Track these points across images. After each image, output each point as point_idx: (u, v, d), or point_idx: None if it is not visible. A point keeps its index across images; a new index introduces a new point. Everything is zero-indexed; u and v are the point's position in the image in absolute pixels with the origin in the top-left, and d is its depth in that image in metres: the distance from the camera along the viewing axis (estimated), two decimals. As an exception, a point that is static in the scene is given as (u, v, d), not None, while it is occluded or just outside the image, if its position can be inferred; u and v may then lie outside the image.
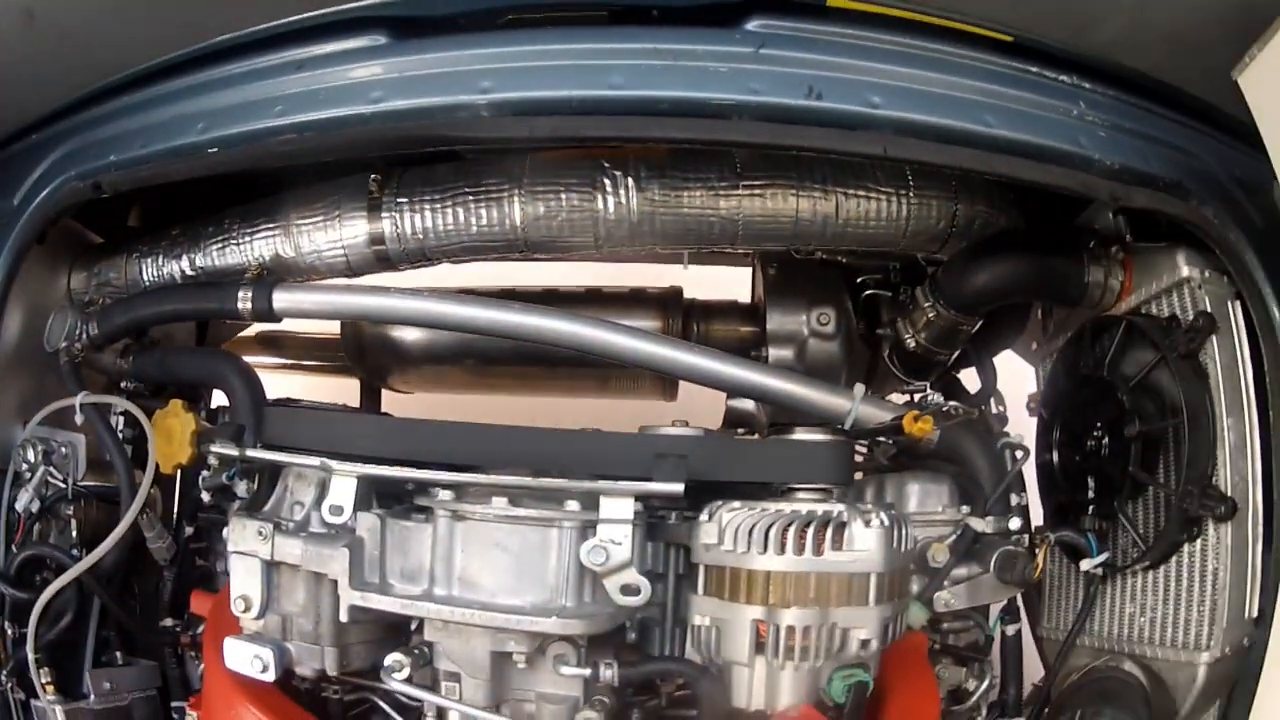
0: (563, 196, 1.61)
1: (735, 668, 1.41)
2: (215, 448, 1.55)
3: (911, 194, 1.64)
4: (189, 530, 1.88)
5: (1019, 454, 1.60)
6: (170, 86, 1.59)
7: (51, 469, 1.83)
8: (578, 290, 2.07)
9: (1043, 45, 1.45)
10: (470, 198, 1.63)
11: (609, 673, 1.39)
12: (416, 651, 1.42)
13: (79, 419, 1.81)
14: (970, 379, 2.09)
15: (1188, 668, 1.52)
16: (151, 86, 1.64)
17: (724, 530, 1.40)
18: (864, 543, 1.38)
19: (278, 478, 1.58)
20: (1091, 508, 1.68)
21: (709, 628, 1.42)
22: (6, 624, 1.82)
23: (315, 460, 1.46)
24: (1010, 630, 1.74)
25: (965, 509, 1.58)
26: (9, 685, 1.82)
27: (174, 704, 1.89)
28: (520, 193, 1.62)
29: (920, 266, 1.83)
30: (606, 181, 1.60)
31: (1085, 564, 1.63)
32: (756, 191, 1.61)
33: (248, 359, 2.06)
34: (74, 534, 1.84)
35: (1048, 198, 1.57)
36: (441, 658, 1.43)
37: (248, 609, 1.51)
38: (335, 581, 1.43)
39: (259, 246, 1.74)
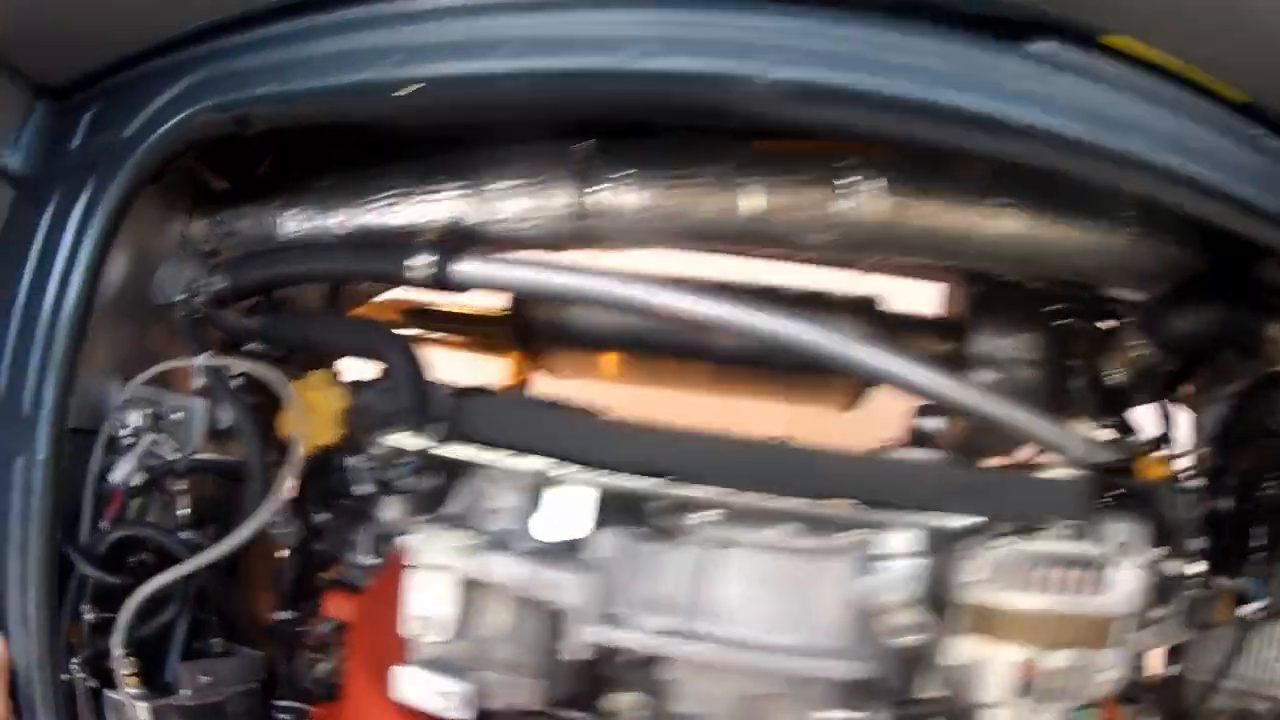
0: (800, 191, 1.10)
1: (988, 711, 0.98)
2: (396, 438, 0.98)
3: (1131, 231, 1.23)
4: (320, 517, 1.25)
5: (1199, 501, 1.23)
6: (355, 14, 1.00)
7: (160, 437, 1.18)
8: (752, 288, 1.46)
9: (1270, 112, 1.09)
10: (695, 179, 1.11)
11: (883, 717, 0.92)
12: (653, 691, 0.91)
13: (197, 382, 1.17)
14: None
15: None
16: (328, 12, 1.03)
17: (993, 568, 0.98)
18: (1124, 584, 1.02)
19: (457, 477, 1.02)
20: (1257, 555, 1.31)
21: (965, 668, 1.00)
22: (85, 607, 1.18)
23: (542, 464, 0.91)
24: (1173, 671, 1.39)
25: (1160, 552, 1.17)
26: (80, 673, 1.18)
27: (279, 702, 1.29)
28: (760, 180, 1.10)
29: (1103, 301, 1.43)
30: (847, 181, 1.10)
31: (1246, 609, 1.27)
32: (993, 212, 1.15)
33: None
34: (182, 512, 1.20)
35: (1242, 247, 1.19)
36: (681, 700, 0.92)
37: (430, 632, 0.95)
38: (558, 611, 0.91)
39: (438, 208, 1.15)
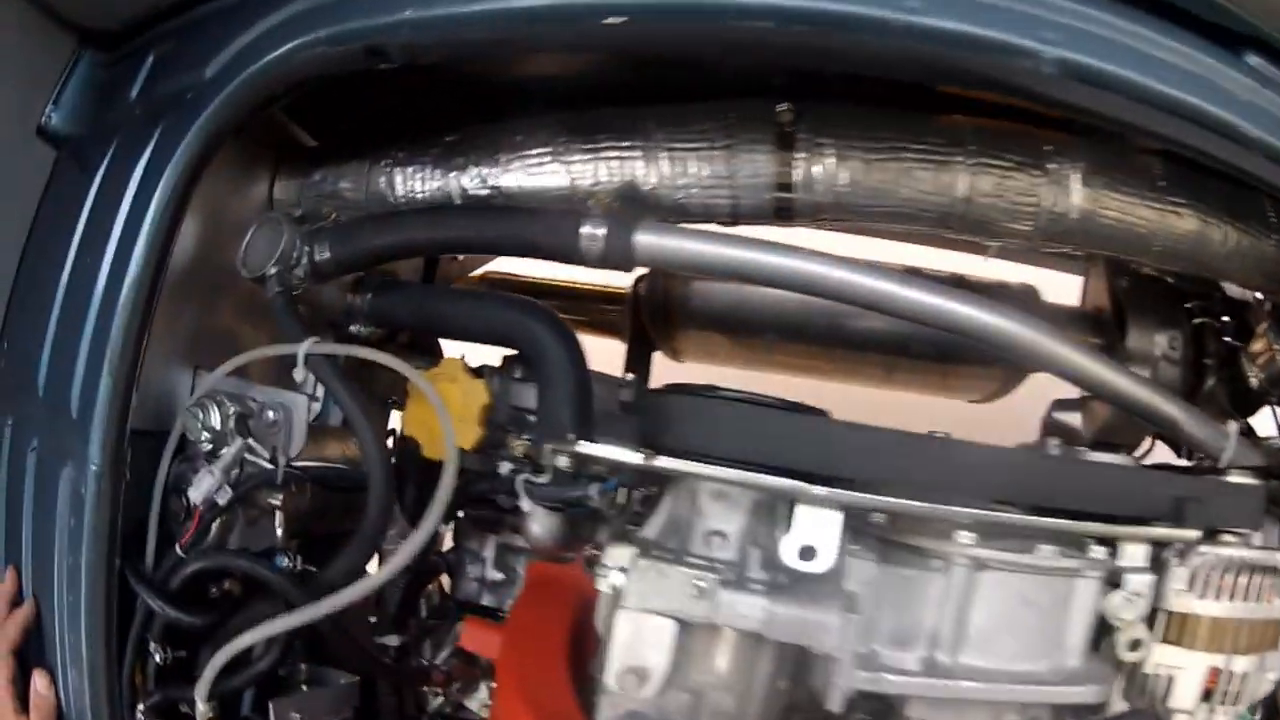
0: (1012, 175, 0.89)
1: (1177, 717, 0.83)
2: (599, 450, 0.71)
3: (1275, 238, 1.09)
4: (445, 529, 0.97)
5: None
6: None
7: (252, 442, 0.88)
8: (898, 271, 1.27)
9: None
10: (909, 154, 0.88)
11: None
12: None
13: (299, 373, 0.88)
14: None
15: None
16: None
17: (1195, 576, 0.82)
18: None
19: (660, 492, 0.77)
20: None
21: (1162, 676, 0.84)
22: (154, 646, 0.87)
23: (787, 484, 0.67)
24: None
25: None
26: (143, 723, 0.88)
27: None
28: (966, 160, 0.89)
29: (1234, 302, 1.29)
30: (1052, 167, 0.91)
31: None
32: (1176, 210, 0.98)
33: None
34: (278, 532, 0.90)
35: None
36: None
37: (642, 685, 0.70)
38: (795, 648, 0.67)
39: (600, 170, 0.89)
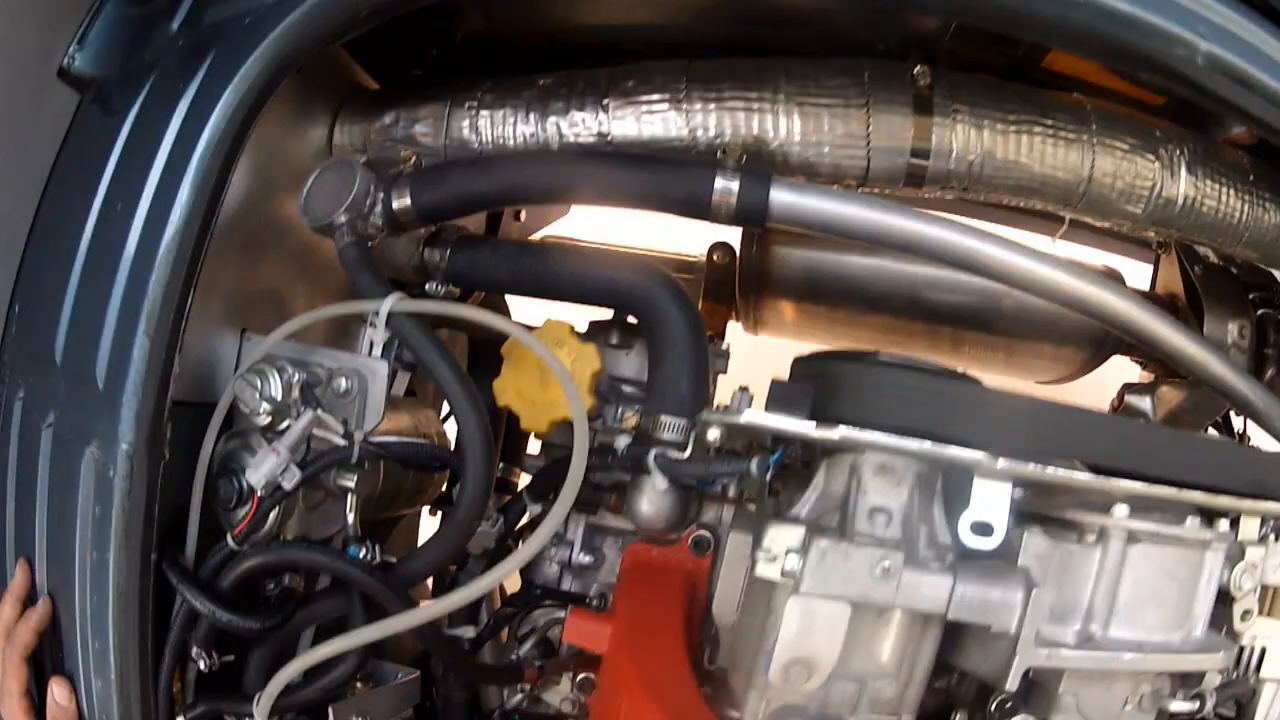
0: (1131, 157, 0.88)
1: (1268, 685, 0.84)
2: (772, 420, 0.64)
3: None
4: (535, 510, 0.87)
5: None
6: None
7: (323, 413, 0.75)
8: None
9: None
10: (1041, 129, 0.84)
11: (1210, 703, 0.75)
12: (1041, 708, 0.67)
13: (372, 337, 0.75)
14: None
15: None
16: None
17: None
18: None
19: (811, 464, 0.71)
20: None
21: (1256, 646, 0.84)
22: (197, 650, 0.73)
23: (969, 454, 0.62)
24: None
25: None
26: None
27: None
28: (1093, 140, 0.86)
29: None
30: (1164, 153, 0.90)
31: None
32: (1263, 204, 0.99)
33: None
34: (350, 519, 0.77)
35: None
36: (1066, 711, 0.69)
37: (809, 677, 0.64)
38: (993, 634, 0.63)
39: (723, 120, 0.80)
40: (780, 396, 0.63)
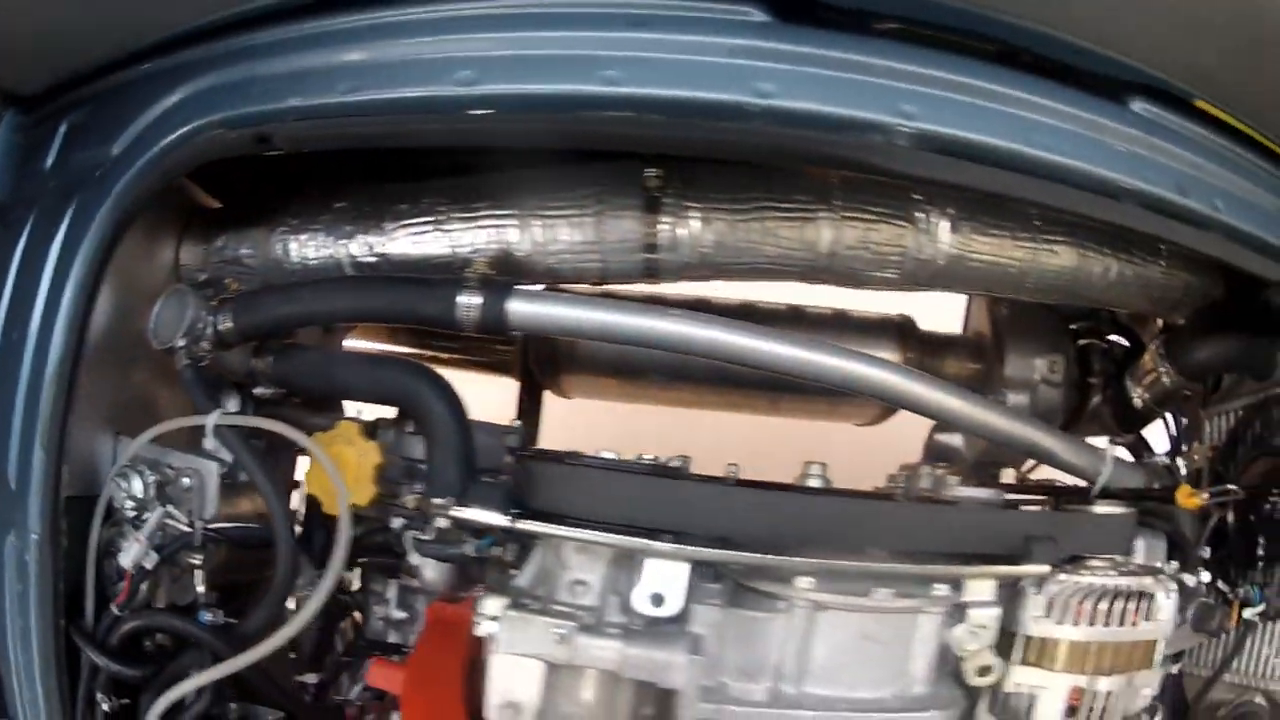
0: (877, 227, 1.22)
1: None
2: (468, 514, 1.08)
3: (1162, 264, 1.45)
4: (350, 578, 1.36)
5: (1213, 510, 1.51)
6: (414, 14, 1.05)
7: (170, 508, 1.27)
8: (777, 308, 1.69)
9: None
10: (773, 213, 1.20)
11: None
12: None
13: (209, 442, 1.26)
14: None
15: None
16: (377, 10, 1.08)
17: (1054, 603, 1.18)
18: (1164, 612, 1.27)
19: (530, 546, 1.14)
20: (1260, 564, 1.63)
21: (1024, 695, 1.21)
22: (100, 696, 1.28)
23: (637, 543, 1.03)
24: (1174, 670, 1.69)
25: (1174, 564, 1.43)
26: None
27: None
28: (830, 215, 1.21)
29: (1120, 322, 1.69)
30: (920, 216, 1.23)
31: (1248, 613, 1.59)
32: (1050, 247, 1.33)
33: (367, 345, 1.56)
34: (199, 588, 1.29)
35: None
36: None
37: (516, 717, 1.08)
38: (658, 688, 1.04)
39: (478, 237, 1.23)
40: (477, 494, 1.06)
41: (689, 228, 1.20)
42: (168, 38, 1.18)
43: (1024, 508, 1.36)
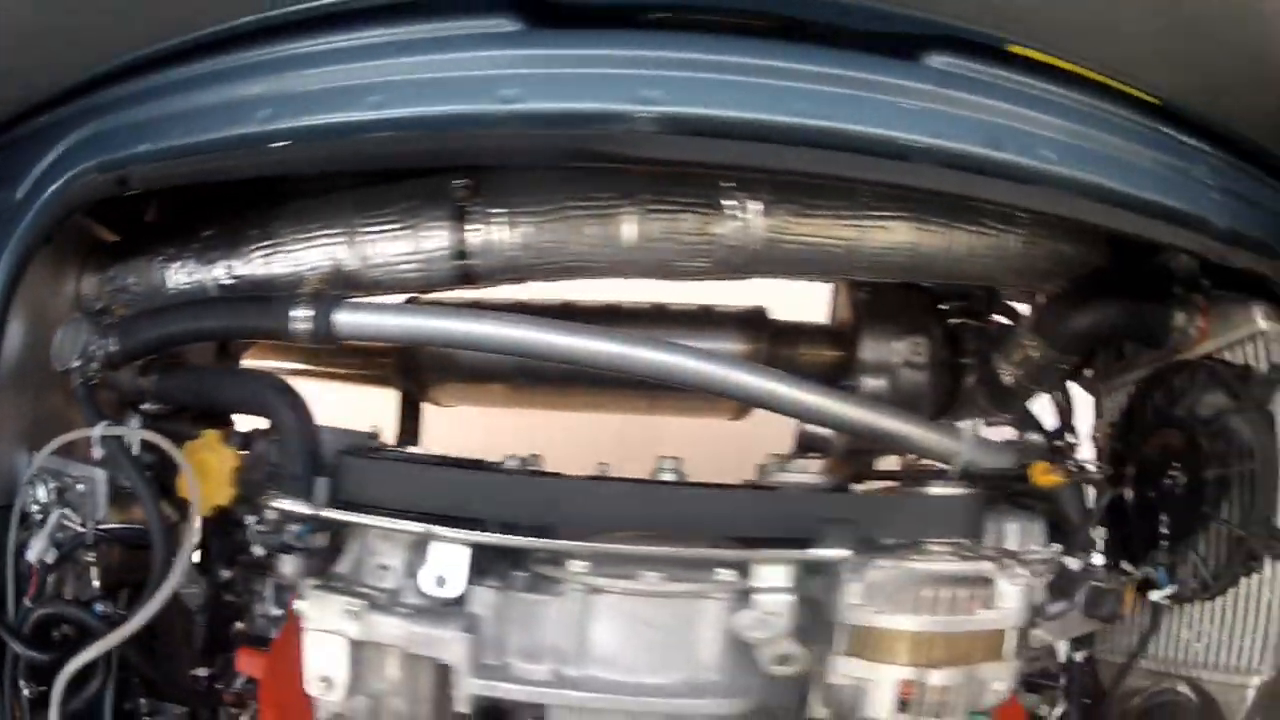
0: (682, 217, 1.32)
1: None
2: (280, 503, 1.25)
3: (1021, 232, 1.46)
4: (224, 574, 1.56)
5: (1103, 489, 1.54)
6: (226, 62, 1.23)
7: (67, 510, 1.48)
8: (642, 307, 1.80)
9: (1182, 109, 1.34)
10: (576, 211, 1.33)
11: None
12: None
13: (96, 452, 1.47)
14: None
15: (1239, 689, 1.51)
16: (204, 60, 1.27)
17: (872, 590, 1.21)
18: (1009, 600, 1.25)
19: (348, 534, 1.29)
20: (1164, 543, 1.61)
21: (848, 687, 1.24)
22: (22, 683, 1.50)
23: (418, 527, 1.17)
24: (1079, 657, 1.68)
25: (1057, 547, 1.44)
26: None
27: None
28: (634, 210, 1.32)
29: (998, 296, 1.68)
30: (728, 204, 1.32)
31: (1155, 595, 1.57)
32: (880, 223, 1.37)
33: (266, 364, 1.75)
34: (95, 583, 1.51)
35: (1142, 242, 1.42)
36: None
37: (330, 689, 1.23)
38: (444, 665, 1.17)
39: (315, 256, 1.40)
40: (295, 487, 1.23)
41: (497, 233, 1.34)
42: (55, 94, 1.41)
43: (856, 491, 1.40)
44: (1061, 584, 1.46)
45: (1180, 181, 1.34)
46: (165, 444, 1.40)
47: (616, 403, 1.83)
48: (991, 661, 1.25)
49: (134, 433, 1.44)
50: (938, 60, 1.22)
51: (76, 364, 1.48)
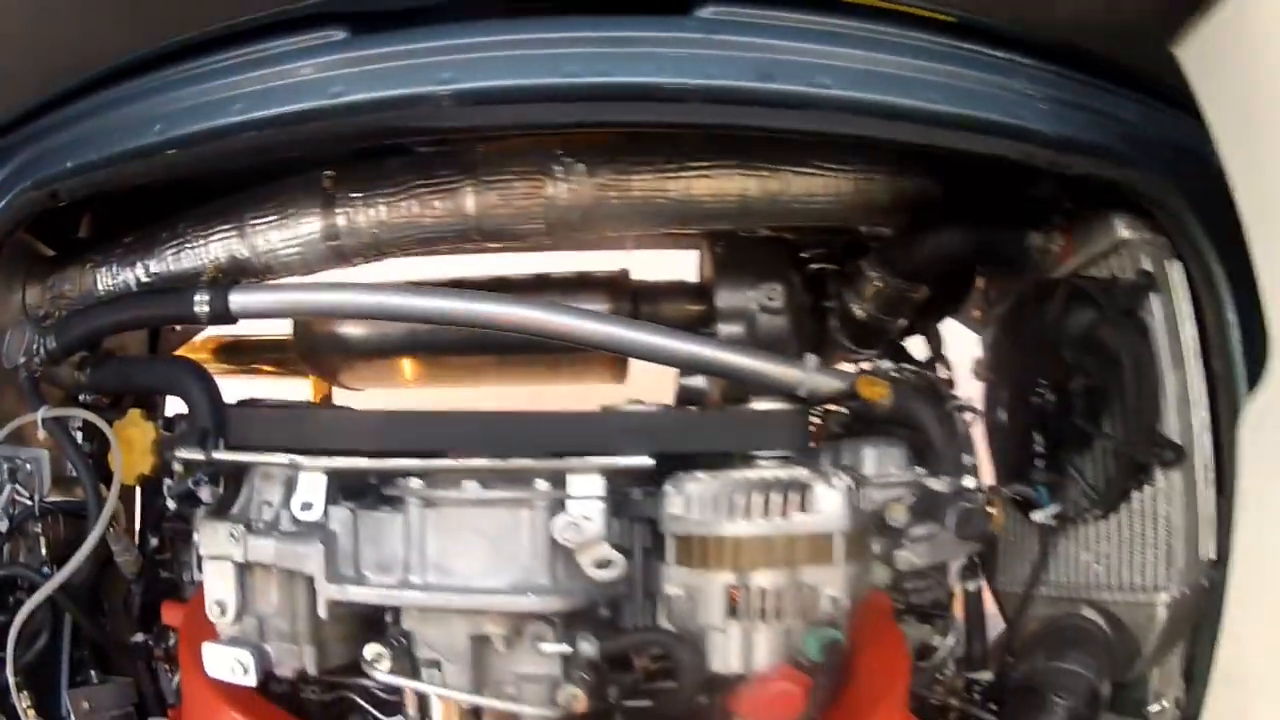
0: (515, 185, 1.62)
1: (711, 633, 1.44)
2: (180, 453, 1.54)
3: (855, 170, 1.67)
4: (154, 541, 1.86)
5: (968, 414, 1.68)
6: (127, 88, 1.56)
7: (18, 487, 1.80)
8: (525, 278, 2.09)
9: (984, 25, 1.50)
10: (423, 189, 1.64)
11: (588, 648, 1.40)
12: (395, 641, 1.43)
13: (41, 434, 1.79)
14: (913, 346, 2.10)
15: (1146, 609, 1.56)
16: (109, 89, 1.61)
17: (690, 500, 1.44)
18: (827, 503, 1.44)
19: (243, 479, 1.58)
20: (1040, 462, 1.72)
21: (681, 596, 1.46)
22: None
23: (283, 458, 1.46)
24: (971, 587, 1.80)
25: (920, 470, 1.61)
26: (-13, 709, 1.81)
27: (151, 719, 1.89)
28: (473, 183, 1.62)
29: (863, 240, 1.88)
30: (557, 168, 1.61)
31: (1036, 515, 1.68)
32: (704, 172, 1.63)
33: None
34: (43, 551, 1.81)
35: (990, 168, 1.58)
36: (421, 646, 1.44)
37: (224, 613, 1.51)
38: (310, 579, 1.44)
39: (215, 249, 1.72)
40: (192, 439, 1.53)
41: (359, 215, 1.65)
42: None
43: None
44: (926, 505, 1.60)
45: (992, 94, 1.47)
46: (91, 417, 1.71)
47: (518, 372, 2.10)
48: (818, 565, 1.44)
49: (68, 412, 1.76)
50: (708, 10, 1.45)
51: (22, 360, 1.81)
